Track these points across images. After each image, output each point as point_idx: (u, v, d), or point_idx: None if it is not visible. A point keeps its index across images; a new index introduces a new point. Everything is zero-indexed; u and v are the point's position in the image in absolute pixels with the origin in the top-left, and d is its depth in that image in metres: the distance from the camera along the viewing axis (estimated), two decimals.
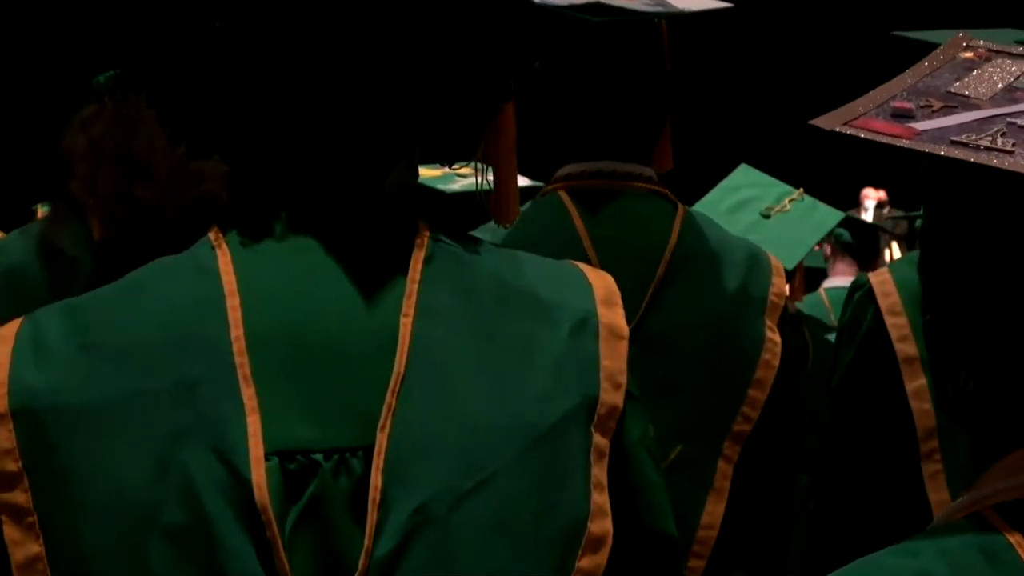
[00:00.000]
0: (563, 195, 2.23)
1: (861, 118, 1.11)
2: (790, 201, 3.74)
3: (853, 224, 5.62)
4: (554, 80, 2.23)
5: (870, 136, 1.09)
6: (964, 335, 1.15)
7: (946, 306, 1.16)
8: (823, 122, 1.11)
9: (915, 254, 2.28)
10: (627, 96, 2.22)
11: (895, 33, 2.55)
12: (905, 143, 1.08)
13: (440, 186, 3.49)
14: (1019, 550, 1.06)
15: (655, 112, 2.25)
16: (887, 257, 6.67)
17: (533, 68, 1.34)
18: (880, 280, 2.20)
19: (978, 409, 1.17)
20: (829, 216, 3.93)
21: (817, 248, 6.04)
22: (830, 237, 5.63)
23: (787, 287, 2.29)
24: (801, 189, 3.83)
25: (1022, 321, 1.12)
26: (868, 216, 8.56)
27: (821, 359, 3.17)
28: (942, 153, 1.07)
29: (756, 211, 3.70)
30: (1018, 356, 1.12)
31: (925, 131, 1.09)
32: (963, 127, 1.10)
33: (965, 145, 1.07)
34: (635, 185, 2.24)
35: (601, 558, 1.23)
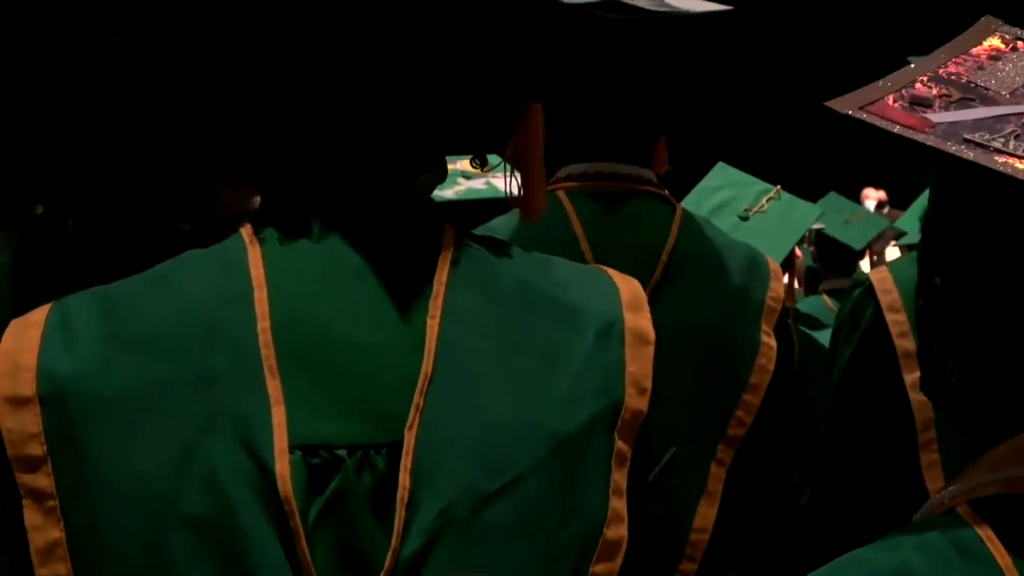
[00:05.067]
0: (562, 196, 2.23)
1: (877, 103, 1.10)
2: (768, 200, 3.72)
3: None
4: (559, 81, 2.23)
5: (883, 125, 1.08)
6: (955, 327, 1.16)
7: (940, 297, 1.17)
8: (838, 104, 1.10)
9: (915, 253, 2.31)
10: (631, 97, 2.23)
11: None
12: (918, 137, 1.08)
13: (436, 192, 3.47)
14: (988, 544, 1.10)
15: (657, 114, 2.25)
16: (887, 257, 6.68)
17: (550, 63, 1.34)
18: (880, 277, 2.22)
19: (962, 401, 1.19)
20: (807, 214, 3.90)
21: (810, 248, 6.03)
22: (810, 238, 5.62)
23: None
24: (779, 186, 3.81)
25: (1013, 319, 1.13)
26: None
27: (810, 359, 3.17)
28: (952, 151, 1.06)
29: (734, 213, 3.68)
30: (1005, 352, 1.14)
31: (939, 124, 1.08)
32: (977, 124, 1.09)
33: (977, 145, 1.06)
34: (635, 187, 2.24)
35: (615, 564, 1.23)
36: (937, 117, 1.10)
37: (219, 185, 1.28)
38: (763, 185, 3.82)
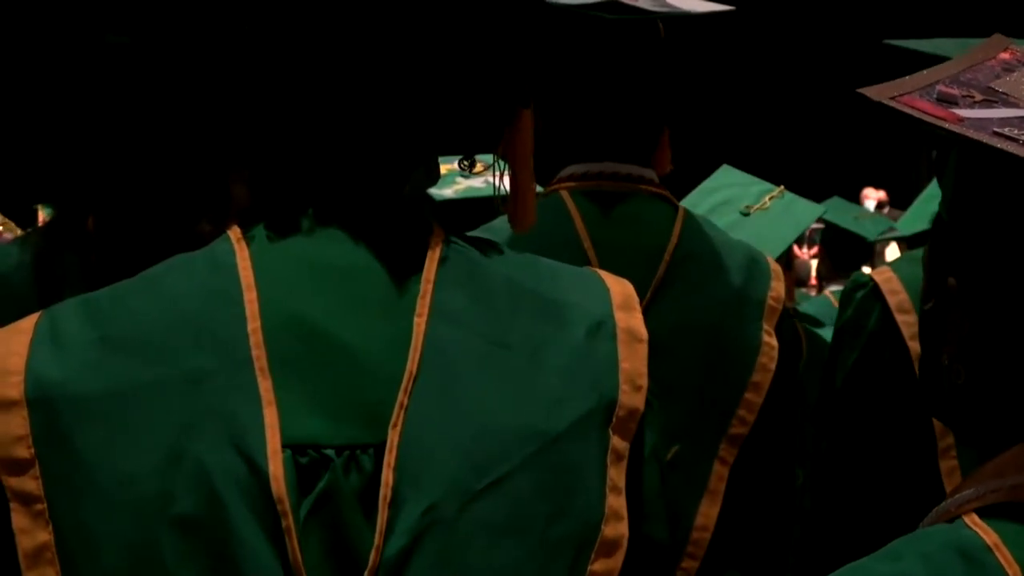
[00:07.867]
0: (564, 195, 2.23)
1: (907, 96, 1.12)
2: (770, 198, 3.71)
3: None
4: (560, 81, 2.23)
5: (915, 114, 1.09)
6: (966, 328, 1.15)
7: (953, 298, 1.17)
8: (872, 92, 1.11)
9: (915, 252, 2.24)
10: (632, 97, 2.23)
11: (887, 42, 2.56)
12: (953, 127, 1.09)
13: (433, 191, 3.46)
14: (996, 552, 1.08)
15: (658, 114, 2.26)
16: (886, 257, 6.67)
17: (541, 70, 1.34)
18: (885, 278, 2.16)
19: (965, 407, 1.18)
20: (808, 212, 3.89)
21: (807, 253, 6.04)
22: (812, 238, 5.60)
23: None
24: (782, 187, 3.80)
25: None
26: None
27: (814, 355, 3.16)
28: (984, 141, 1.07)
29: (736, 210, 3.67)
30: (1017, 353, 1.13)
31: (968, 119, 1.10)
32: (1004, 121, 1.10)
33: (1008, 138, 1.07)
34: (637, 187, 2.24)
35: (615, 562, 1.22)
36: (965, 112, 1.11)
37: (233, 184, 1.28)
38: (766, 185, 3.81)
